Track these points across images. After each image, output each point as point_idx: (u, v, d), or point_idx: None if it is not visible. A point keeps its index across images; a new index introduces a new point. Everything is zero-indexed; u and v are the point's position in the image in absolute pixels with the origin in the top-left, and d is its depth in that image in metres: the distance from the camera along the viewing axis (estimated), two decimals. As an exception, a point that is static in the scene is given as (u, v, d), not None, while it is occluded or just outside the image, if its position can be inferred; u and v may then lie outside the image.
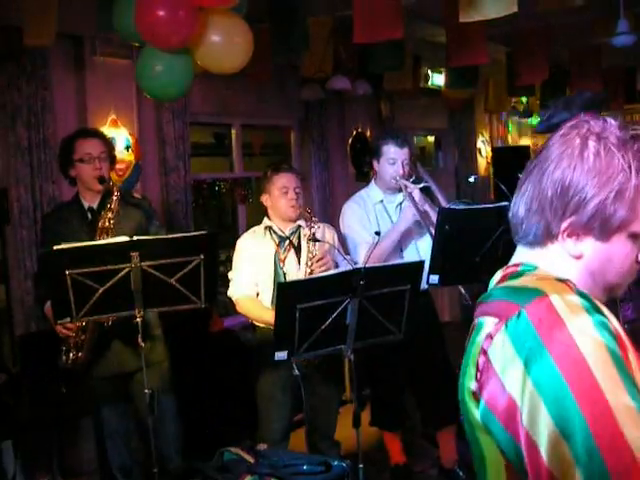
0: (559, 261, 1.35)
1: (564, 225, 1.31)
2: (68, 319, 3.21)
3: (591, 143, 1.30)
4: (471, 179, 5.71)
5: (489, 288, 1.45)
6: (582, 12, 5.87)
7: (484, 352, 1.26)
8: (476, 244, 3.43)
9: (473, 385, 1.29)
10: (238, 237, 4.19)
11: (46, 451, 4.52)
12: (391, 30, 4.73)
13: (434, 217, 4.07)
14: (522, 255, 1.41)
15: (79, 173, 3.89)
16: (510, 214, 1.43)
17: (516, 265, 1.41)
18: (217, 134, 7.22)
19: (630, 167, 1.29)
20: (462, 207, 3.75)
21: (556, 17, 6.24)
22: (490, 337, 1.26)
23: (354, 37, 4.80)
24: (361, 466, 3.44)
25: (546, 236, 1.35)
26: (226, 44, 4.00)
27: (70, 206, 4.00)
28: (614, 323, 1.21)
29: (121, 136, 5.54)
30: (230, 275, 3.98)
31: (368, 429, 4.53)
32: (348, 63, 6.58)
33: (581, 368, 1.13)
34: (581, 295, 1.23)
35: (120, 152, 5.49)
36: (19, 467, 4.33)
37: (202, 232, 3.44)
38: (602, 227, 1.30)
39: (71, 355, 3.68)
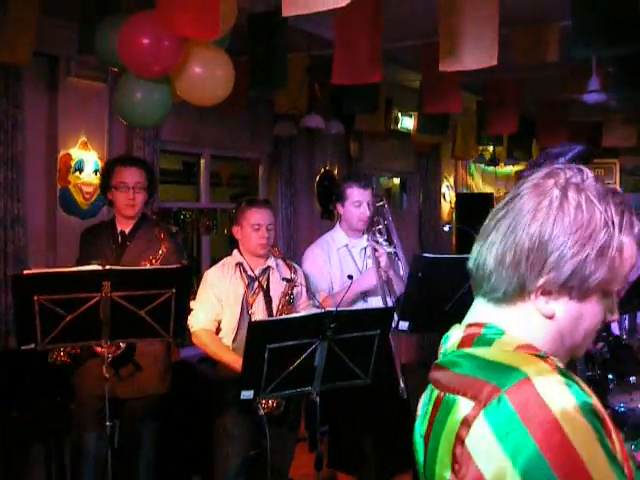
0: (527, 320, 1.27)
1: (540, 282, 1.23)
2: (32, 345, 3.14)
3: (571, 195, 1.23)
4: (445, 228, 5.76)
5: (445, 347, 1.35)
6: (555, 68, 6.00)
7: (461, 442, 1.17)
8: (447, 293, 3.45)
9: (448, 475, 1.20)
10: (201, 267, 4.14)
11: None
12: (370, 74, 4.78)
13: (397, 284, 4.08)
14: (484, 312, 1.31)
15: (114, 198, 4.00)
16: (472, 264, 1.33)
17: (478, 325, 1.30)
18: (186, 163, 7.19)
19: (613, 223, 1.22)
20: (436, 256, 3.78)
21: (528, 70, 6.37)
22: (467, 425, 1.17)
23: (333, 78, 4.82)
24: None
25: (518, 293, 1.25)
26: (207, 77, 4.02)
27: (107, 226, 4.11)
28: (596, 402, 1.15)
29: (90, 159, 5.50)
30: (192, 305, 3.93)
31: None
32: (322, 102, 6.61)
33: (572, 460, 1.08)
34: (563, 374, 1.16)
35: (88, 175, 5.45)
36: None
37: (176, 266, 3.42)
38: (580, 286, 1.23)
39: (62, 354, 3.71)
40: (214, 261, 4.19)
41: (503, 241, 1.25)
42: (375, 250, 4.20)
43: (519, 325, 1.27)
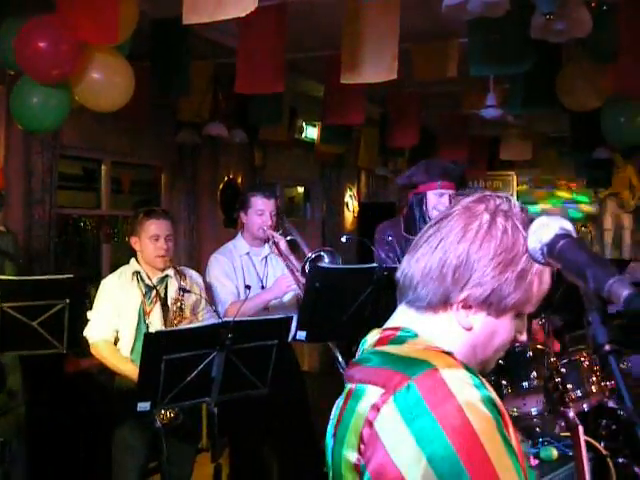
0: (445, 330, 1.35)
1: (462, 296, 1.31)
2: None
3: (499, 220, 1.32)
4: (343, 239, 5.80)
5: (363, 349, 1.42)
6: (454, 83, 6.16)
7: (370, 424, 1.23)
8: (344, 303, 3.49)
9: (354, 457, 1.25)
10: (100, 276, 4.06)
11: None
12: (273, 84, 4.82)
13: (298, 266, 4.14)
14: (404, 318, 1.39)
15: None
16: (400, 274, 1.40)
17: (395, 329, 1.38)
18: (86, 169, 7.03)
19: None
20: (333, 266, 3.83)
21: (430, 85, 6.52)
22: (377, 409, 1.23)
23: (235, 87, 4.84)
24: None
25: (441, 303, 1.33)
26: (106, 82, 3.97)
27: None
28: (496, 397, 1.23)
29: (-15, 164, 5.32)
30: (89, 315, 3.85)
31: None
32: (226, 110, 6.60)
33: (474, 445, 1.15)
34: (468, 370, 1.24)
35: (-18, 180, 5.27)
36: None
37: (69, 276, 3.33)
38: (498, 305, 1.32)
39: None
40: (115, 269, 4.11)
41: (431, 255, 1.34)
42: (272, 237, 4.26)
43: (435, 333, 1.35)
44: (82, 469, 4.94)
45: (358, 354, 1.44)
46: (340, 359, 3.82)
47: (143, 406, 3.12)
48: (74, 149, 6.31)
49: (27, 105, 3.88)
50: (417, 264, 1.36)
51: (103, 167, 6.73)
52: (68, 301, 3.13)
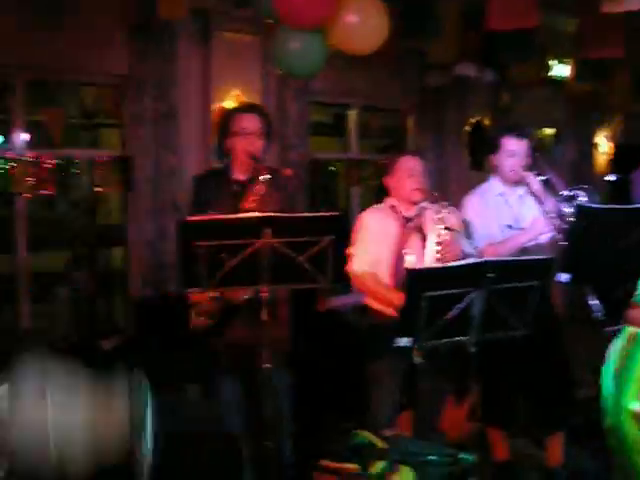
0: None
1: None
2: (197, 289, 3.24)
3: None
4: (608, 178, 5.50)
5: None
6: None
7: None
8: (611, 245, 3.31)
9: (637, 406, 1.19)
10: (349, 218, 4.18)
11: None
12: (527, 18, 4.64)
13: (554, 206, 3.98)
14: None
15: (233, 146, 3.86)
16: None
17: None
18: (336, 115, 7.21)
19: None
20: (602, 206, 3.64)
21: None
22: None
23: (489, 23, 4.71)
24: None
25: None
26: (362, 25, 4.01)
27: (220, 175, 3.96)
28: None
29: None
30: (351, 250, 3.93)
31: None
32: (474, 50, 6.45)
33: None
34: None
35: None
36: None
37: (335, 213, 3.40)
38: None
39: (201, 318, 3.74)
40: (362, 211, 4.22)
41: None
42: (526, 178, 4.13)
43: None
44: (338, 403, 5.13)
45: (637, 293, 1.35)
46: (595, 304, 3.65)
47: (403, 341, 3.15)
48: (323, 95, 6.47)
49: (288, 51, 4.01)
50: None
51: (351, 112, 6.86)
52: (333, 236, 3.21)
